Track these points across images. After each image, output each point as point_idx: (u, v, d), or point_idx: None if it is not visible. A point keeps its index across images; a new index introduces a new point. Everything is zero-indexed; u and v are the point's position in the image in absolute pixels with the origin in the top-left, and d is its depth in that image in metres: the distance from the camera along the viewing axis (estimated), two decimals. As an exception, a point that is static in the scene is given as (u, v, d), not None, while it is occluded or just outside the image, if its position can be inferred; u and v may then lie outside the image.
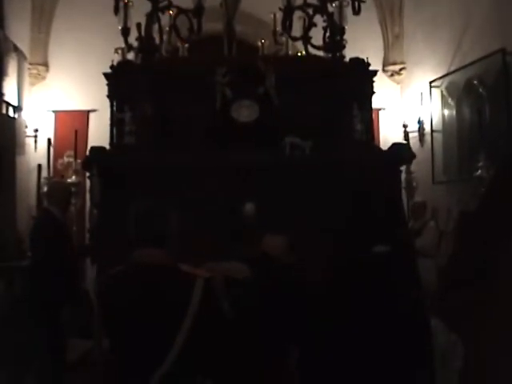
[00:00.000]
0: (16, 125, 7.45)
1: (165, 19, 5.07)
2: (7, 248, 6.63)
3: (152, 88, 4.31)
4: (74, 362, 5.38)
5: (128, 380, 2.29)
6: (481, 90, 7.08)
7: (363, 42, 7.58)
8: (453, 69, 7.64)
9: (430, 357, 2.55)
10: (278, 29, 5.75)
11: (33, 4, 8.19)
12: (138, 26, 4.53)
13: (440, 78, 7.89)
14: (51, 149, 8.13)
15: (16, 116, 7.59)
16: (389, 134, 8.37)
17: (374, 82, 4.54)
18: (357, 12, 4.56)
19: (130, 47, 4.76)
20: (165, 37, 5.08)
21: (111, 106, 4.60)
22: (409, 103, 8.53)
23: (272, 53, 5.90)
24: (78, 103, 8.39)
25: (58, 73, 8.47)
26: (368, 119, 4.48)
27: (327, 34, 4.66)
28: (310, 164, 4.23)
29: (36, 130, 8.24)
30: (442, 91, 7.89)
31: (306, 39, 4.80)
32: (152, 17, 4.55)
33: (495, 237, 2.33)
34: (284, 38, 5.69)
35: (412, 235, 6.47)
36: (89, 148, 4.17)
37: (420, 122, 8.29)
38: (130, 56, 5.44)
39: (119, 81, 4.43)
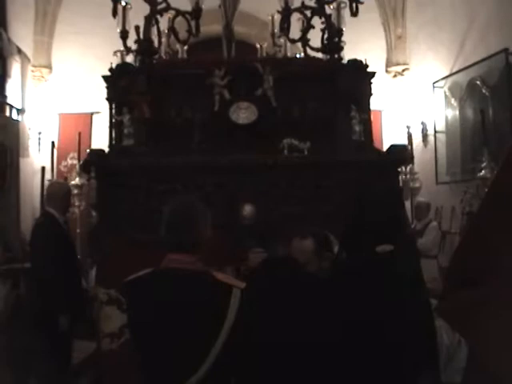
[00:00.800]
0: (20, 127, 7.48)
1: (163, 21, 5.08)
2: (11, 250, 6.67)
3: (150, 90, 4.32)
4: (78, 364, 5.40)
5: None
6: (484, 90, 7.05)
7: (366, 44, 7.60)
8: (456, 69, 7.63)
9: (435, 356, 2.55)
10: (276, 30, 5.76)
11: (36, 7, 8.24)
12: (137, 28, 4.54)
13: (443, 78, 7.88)
14: (55, 151, 8.18)
15: (20, 118, 7.63)
16: (392, 135, 8.36)
17: (372, 83, 4.53)
18: (354, 13, 4.55)
19: (128, 50, 4.78)
20: (163, 39, 5.09)
21: (110, 108, 4.62)
22: (412, 104, 8.51)
23: (270, 54, 5.90)
24: (81, 105, 8.43)
25: (61, 75, 8.53)
26: (366, 120, 4.47)
27: (325, 36, 4.65)
28: (308, 165, 4.23)
29: (39, 133, 8.28)
30: (445, 92, 7.87)
31: (304, 41, 4.79)
32: (150, 19, 4.56)
33: (498, 237, 2.32)
34: (282, 40, 5.69)
35: (415, 235, 6.47)
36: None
37: (423, 123, 8.28)
38: (129, 58, 5.46)
39: (118, 83, 4.45)
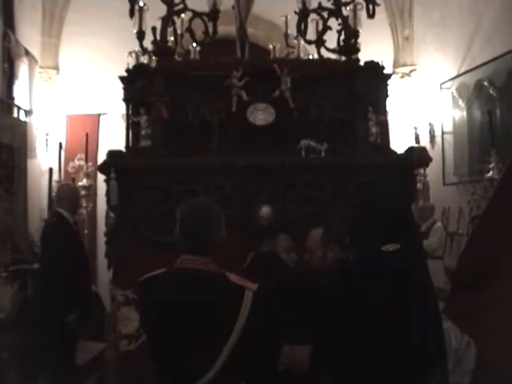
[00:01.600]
0: (27, 128, 7.49)
1: (178, 23, 5.08)
2: (19, 251, 6.67)
3: (168, 91, 4.31)
4: (85, 364, 5.40)
5: None
6: (491, 91, 7.09)
7: (373, 45, 7.59)
8: (463, 70, 7.67)
9: (443, 358, 2.55)
10: (289, 32, 5.77)
11: (43, 9, 8.27)
12: (153, 29, 4.54)
13: (450, 79, 7.92)
14: (62, 152, 8.18)
15: (27, 119, 7.64)
16: (399, 136, 8.37)
17: (388, 84, 4.54)
18: (371, 15, 4.56)
19: (144, 50, 4.77)
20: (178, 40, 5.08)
21: (127, 109, 4.60)
22: (419, 105, 8.54)
23: (284, 55, 5.90)
24: (88, 107, 8.45)
25: (69, 76, 8.55)
26: (383, 122, 4.47)
27: (341, 37, 4.65)
28: (326, 166, 4.23)
29: (47, 134, 8.29)
30: (452, 93, 7.90)
31: (320, 42, 4.80)
32: (167, 20, 4.56)
33: (506, 238, 2.34)
34: (296, 41, 5.69)
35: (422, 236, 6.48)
36: (106, 152, 4.16)
37: (430, 124, 8.30)
38: (143, 59, 5.46)
39: (135, 84, 4.44)
